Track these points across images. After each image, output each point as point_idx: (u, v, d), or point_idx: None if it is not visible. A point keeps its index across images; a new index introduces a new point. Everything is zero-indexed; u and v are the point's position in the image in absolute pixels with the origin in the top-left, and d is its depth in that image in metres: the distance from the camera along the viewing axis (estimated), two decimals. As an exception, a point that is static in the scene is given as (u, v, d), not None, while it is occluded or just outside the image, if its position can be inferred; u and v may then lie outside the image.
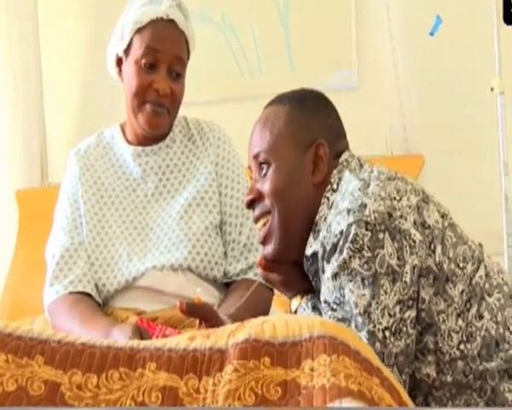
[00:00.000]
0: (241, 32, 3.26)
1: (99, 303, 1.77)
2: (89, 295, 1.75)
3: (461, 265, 1.34)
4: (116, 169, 1.90)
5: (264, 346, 1.01)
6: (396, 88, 3.10)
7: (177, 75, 1.82)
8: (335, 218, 1.33)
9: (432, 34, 2.83)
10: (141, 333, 1.48)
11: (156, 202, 1.86)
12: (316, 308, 1.45)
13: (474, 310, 1.33)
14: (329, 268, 1.33)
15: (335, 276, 1.31)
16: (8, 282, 2.93)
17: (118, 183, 1.88)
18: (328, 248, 1.33)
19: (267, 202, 1.47)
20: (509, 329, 1.34)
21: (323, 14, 3.21)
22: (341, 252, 1.29)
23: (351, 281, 1.29)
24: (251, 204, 1.51)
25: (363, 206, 1.29)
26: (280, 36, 3.25)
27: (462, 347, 1.31)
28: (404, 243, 1.28)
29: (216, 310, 1.49)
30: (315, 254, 1.43)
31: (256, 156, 1.49)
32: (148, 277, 1.75)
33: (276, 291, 1.90)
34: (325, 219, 1.41)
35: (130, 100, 1.82)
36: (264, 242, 1.50)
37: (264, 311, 1.78)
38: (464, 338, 1.31)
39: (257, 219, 1.51)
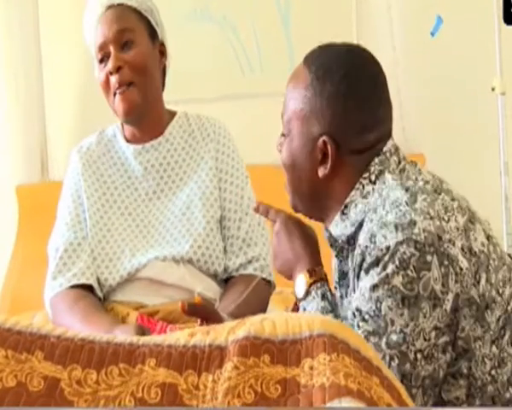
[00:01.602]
0: (242, 30, 3.26)
1: (100, 298, 1.77)
2: (91, 289, 1.76)
3: (500, 291, 1.32)
4: (118, 167, 1.90)
5: (264, 343, 1.01)
6: (396, 88, 3.09)
7: (127, 43, 1.80)
8: (380, 230, 1.28)
9: (433, 34, 2.83)
10: (143, 334, 1.47)
11: (158, 200, 1.86)
12: (325, 297, 1.43)
13: (507, 336, 1.31)
14: (368, 279, 1.29)
15: (374, 288, 1.27)
16: (8, 277, 2.93)
17: (120, 181, 1.88)
18: (369, 260, 1.29)
19: None
20: None
21: (324, 13, 3.21)
22: (385, 268, 1.26)
23: (390, 297, 1.26)
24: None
25: (413, 223, 1.26)
26: (281, 34, 3.25)
27: (493, 372, 1.30)
28: (451, 269, 1.26)
29: (216, 309, 1.50)
30: (344, 237, 1.42)
31: (282, 117, 1.47)
32: (150, 267, 1.76)
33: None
34: (356, 205, 1.38)
35: (107, 100, 1.83)
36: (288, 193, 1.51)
37: (263, 307, 1.78)
38: (496, 364, 1.30)
39: None
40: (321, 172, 1.40)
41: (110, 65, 1.78)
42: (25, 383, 0.98)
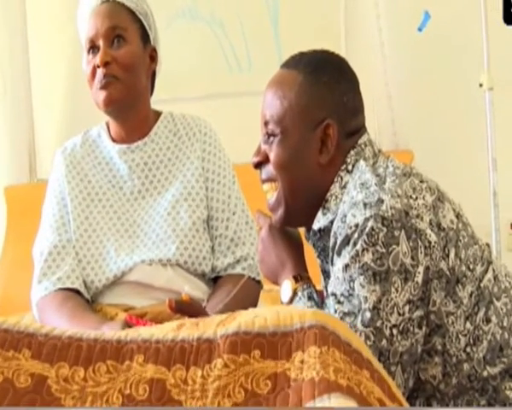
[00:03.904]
0: (230, 28, 3.26)
1: (88, 300, 1.76)
2: (77, 291, 1.75)
3: (471, 267, 1.34)
4: (103, 167, 1.89)
5: (255, 338, 1.00)
6: (384, 83, 3.10)
7: (118, 40, 1.80)
8: (350, 210, 1.32)
9: (420, 30, 2.83)
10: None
11: (143, 199, 1.85)
12: (311, 298, 1.44)
13: (481, 313, 1.33)
14: (340, 260, 1.32)
15: (346, 267, 1.30)
16: (-3, 278, 2.92)
17: (105, 180, 1.87)
18: (340, 239, 1.32)
19: (272, 170, 1.46)
20: None
21: (313, 10, 3.22)
22: (355, 245, 1.28)
23: (361, 275, 1.28)
24: (257, 166, 1.50)
25: (381, 201, 1.29)
26: (269, 32, 3.25)
27: (468, 349, 1.31)
28: (420, 243, 1.28)
29: (204, 307, 1.49)
30: (322, 230, 1.44)
31: (265, 123, 1.47)
32: (137, 271, 1.75)
33: (264, 287, 1.91)
34: (336, 197, 1.41)
35: (91, 92, 1.82)
36: (272, 210, 1.50)
37: (252, 307, 1.77)
38: (471, 341, 1.31)
39: (263, 182, 1.51)
40: (323, 158, 1.42)
41: (98, 59, 1.77)
42: (11, 379, 0.97)
